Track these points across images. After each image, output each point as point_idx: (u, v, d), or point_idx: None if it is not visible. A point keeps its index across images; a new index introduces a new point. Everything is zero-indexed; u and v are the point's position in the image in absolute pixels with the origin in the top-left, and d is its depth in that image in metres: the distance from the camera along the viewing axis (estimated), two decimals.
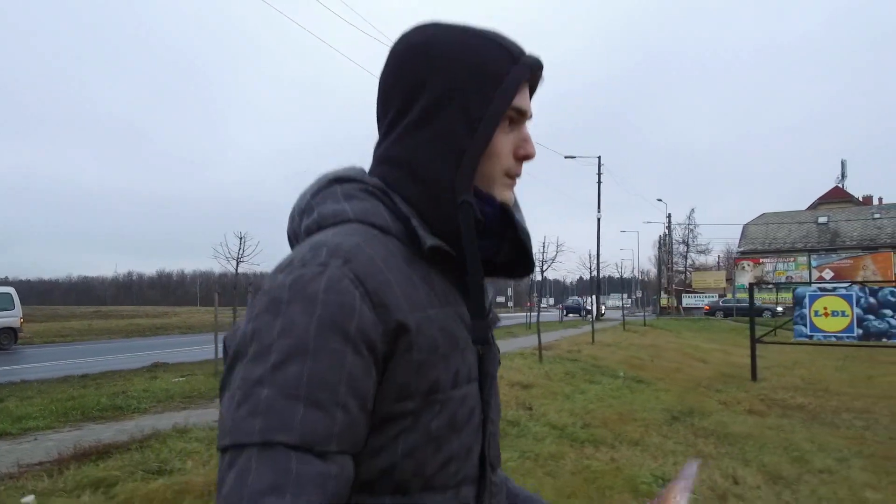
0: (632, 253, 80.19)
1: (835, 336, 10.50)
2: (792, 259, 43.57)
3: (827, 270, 40.70)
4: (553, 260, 14.60)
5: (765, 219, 50.74)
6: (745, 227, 50.66)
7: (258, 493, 0.56)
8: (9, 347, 16.67)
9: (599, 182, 32.67)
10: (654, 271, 62.05)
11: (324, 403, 0.62)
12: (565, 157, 32.30)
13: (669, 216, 49.13)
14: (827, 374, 12.49)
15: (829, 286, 11.91)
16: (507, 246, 0.84)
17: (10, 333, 16.78)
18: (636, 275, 73.28)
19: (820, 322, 10.59)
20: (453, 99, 0.77)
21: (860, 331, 10.25)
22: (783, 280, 40.57)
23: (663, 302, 49.51)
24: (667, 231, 49.76)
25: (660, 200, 74.50)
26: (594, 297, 32.54)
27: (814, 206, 56.37)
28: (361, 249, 0.70)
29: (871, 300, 10.19)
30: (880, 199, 53.54)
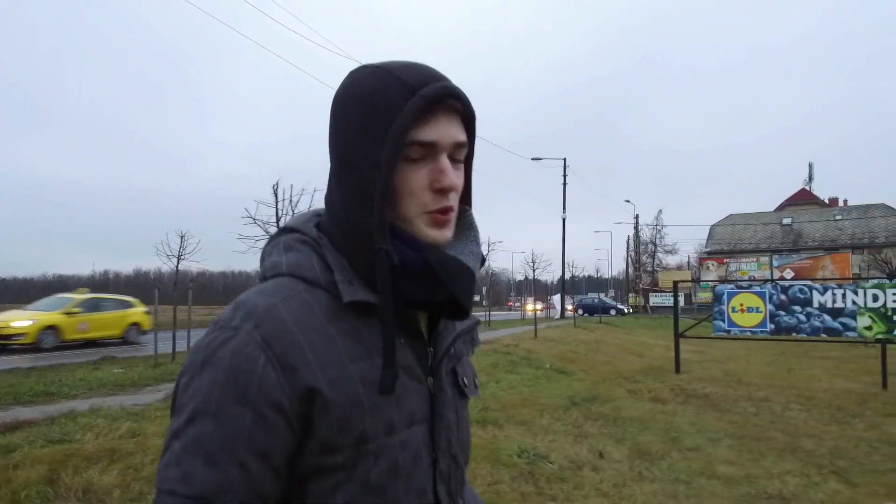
0: (607, 253, 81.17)
1: (749, 331, 11.19)
2: (755, 259, 44.67)
3: (788, 270, 41.83)
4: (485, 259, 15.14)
5: (731, 220, 51.93)
6: (713, 227, 51.80)
7: None
8: None
9: (565, 183, 33.41)
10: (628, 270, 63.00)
11: (220, 461, 0.68)
12: (532, 159, 33.01)
13: (637, 217, 50.22)
14: (752, 367, 13.21)
15: (745, 284, 12.59)
16: (451, 282, 0.80)
17: None
18: (610, 274, 74.24)
19: (736, 317, 11.27)
20: (360, 141, 0.77)
21: (772, 325, 10.94)
22: (746, 279, 41.62)
23: (631, 301, 50.51)
24: (635, 232, 50.74)
25: (628, 202, 75.76)
26: (561, 295, 33.16)
27: (781, 208, 57.73)
28: (276, 311, 0.74)
29: (783, 297, 10.89)
30: (845, 201, 54.90)
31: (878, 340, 10.18)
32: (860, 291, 10.32)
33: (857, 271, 40.25)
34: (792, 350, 16.45)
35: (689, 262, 61.29)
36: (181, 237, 9.19)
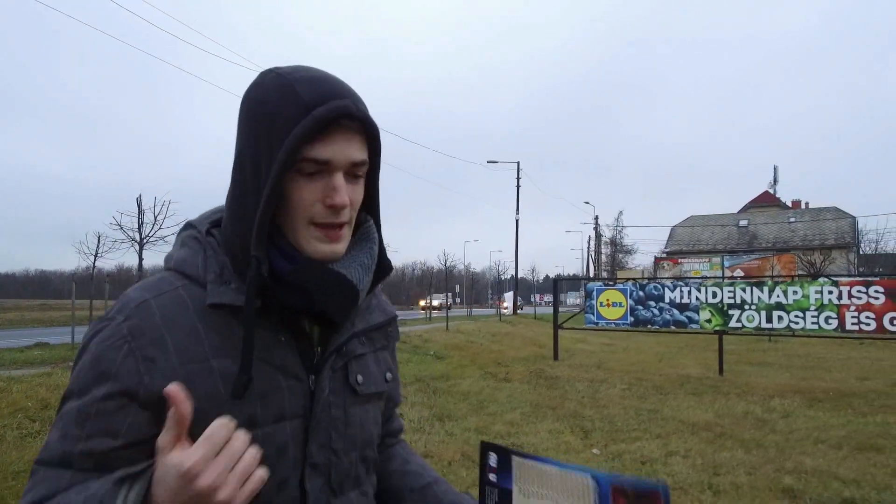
0: (581, 252, 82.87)
1: (614, 323, 12.61)
2: (707, 259, 46.37)
3: (738, 270, 43.47)
4: (390, 268, 16.46)
5: (691, 221, 53.65)
6: (673, 228, 53.48)
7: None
8: None
9: (518, 186, 34.85)
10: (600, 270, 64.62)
11: (69, 435, 0.76)
12: (487, 162, 34.45)
13: (596, 218, 51.80)
14: (633, 357, 14.66)
15: (611, 282, 14.02)
16: (320, 297, 0.82)
17: None
18: (583, 273, 75.73)
19: (604, 311, 12.68)
20: (254, 148, 0.80)
21: (632, 318, 12.36)
22: (698, 279, 43.33)
23: None
24: (595, 233, 52.40)
25: (587, 203, 77.64)
26: (514, 293, 34.53)
27: (744, 210, 59.54)
28: (146, 306, 0.80)
29: (641, 293, 12.32)
30: (806, 204, 56.74)
31: (715, 331, 11.60)
32: (702, 289, 11.78)
33: (806, 272, 42.03)
34: (695, 343, 17.86)
35: (654, 263, 63.04)
36: (98, 237, 10.54)
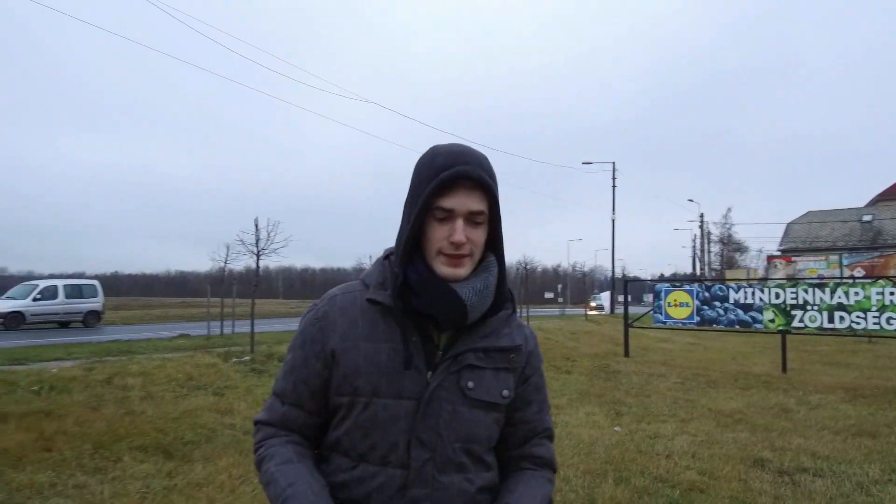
0: (692, 249, 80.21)
1: (681, 322, 13.31)
2: (824, 258, 44.05)
3: (858, 269, 41.06)
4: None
5: (809, 217, 50.99)
6: (789, 225, 51.03)
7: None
8: (94, 325, 21.85)
9: (614, 186, 35.14)
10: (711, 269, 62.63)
11: (286, 377, 1.23)
12: (582, 163, 35.03)
13: (702, 216, 50.48)
14: (707, 355, 15.13)
15: (678, 283, 14.60)
16: (433, 302, 1.14)
17: (95, 315, 22.10)
18: (695, 271, 73.38)
19: (672, 311, 13.41)
20: (410, 201, 1.19)
21: (698, 318, 13.01)
22: (814, 278, 41.21)
23: None
24: (701, 231, 51.12)
25: (691, 201, 74.98)
26: (610, 293, 34.87)
27: (871, 204, 55.57)
28: (335, 299, 1.23)
29: (706, 294, 12.96)
30: None
31: (779, 331, 12.07)
32: (766, 290, 12.28)
33: None
34: (778, 344, 17.87)
35: (767, 261, 60.16)
36: (227, 248, 12.83)
